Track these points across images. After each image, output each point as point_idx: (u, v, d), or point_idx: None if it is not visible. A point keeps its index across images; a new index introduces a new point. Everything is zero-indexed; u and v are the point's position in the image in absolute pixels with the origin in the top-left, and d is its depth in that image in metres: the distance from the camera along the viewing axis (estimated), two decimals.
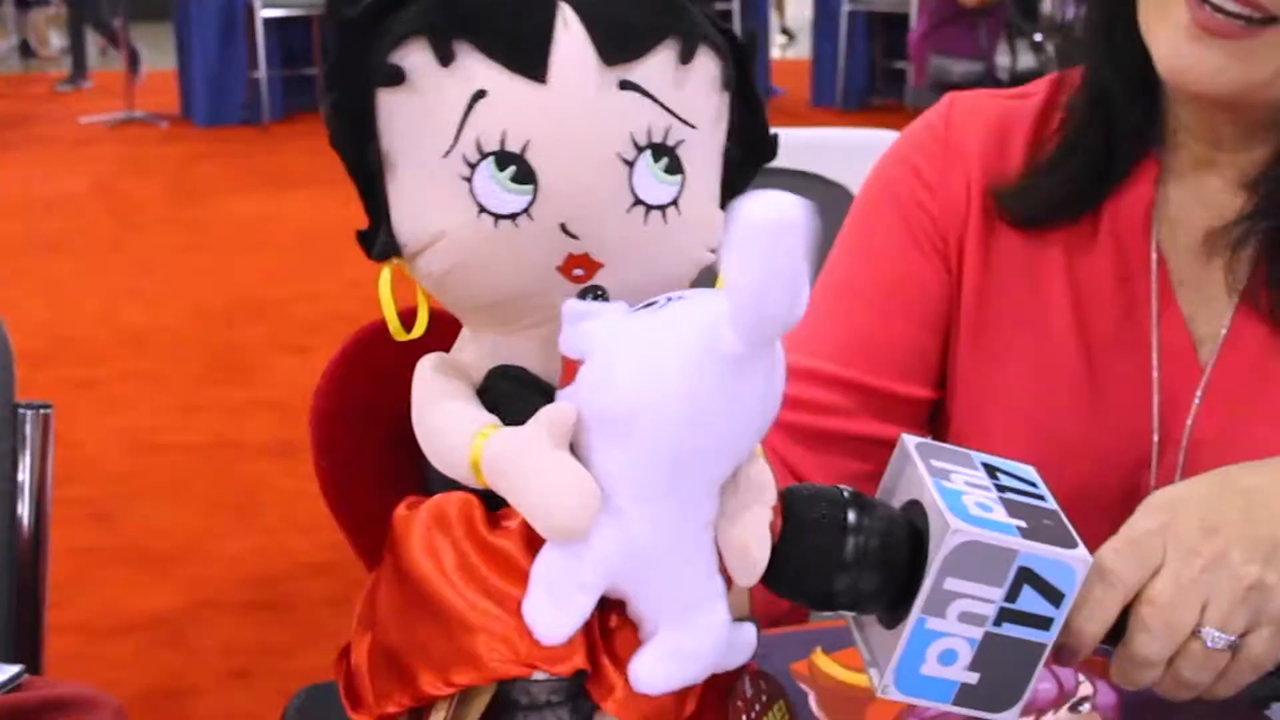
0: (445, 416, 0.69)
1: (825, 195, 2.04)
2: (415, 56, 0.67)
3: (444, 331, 0.73)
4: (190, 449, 4.27)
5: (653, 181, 0.68)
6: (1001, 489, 0.80)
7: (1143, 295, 1.17)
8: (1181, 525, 0.86)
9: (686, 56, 0.68)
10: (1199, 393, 1.15)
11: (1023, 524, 0.77)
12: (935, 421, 1.24)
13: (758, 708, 0.76)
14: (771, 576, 0.76)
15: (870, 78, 10.33)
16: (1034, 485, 0.83)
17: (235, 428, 4.40)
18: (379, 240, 0.70)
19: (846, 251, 1.25)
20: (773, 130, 0.75)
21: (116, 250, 6.57)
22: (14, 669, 1.04)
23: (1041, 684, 0.96)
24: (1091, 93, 1.18)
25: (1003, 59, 7.35)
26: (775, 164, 2.36)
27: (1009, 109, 1.24)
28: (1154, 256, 1.17)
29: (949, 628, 0.76)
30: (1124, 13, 1.12)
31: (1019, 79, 1.17)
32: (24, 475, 1.41)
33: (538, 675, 0.67)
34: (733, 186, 0.73)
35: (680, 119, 0.68)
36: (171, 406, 4.63)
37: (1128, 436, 1.16)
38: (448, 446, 0.68)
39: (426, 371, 0.71)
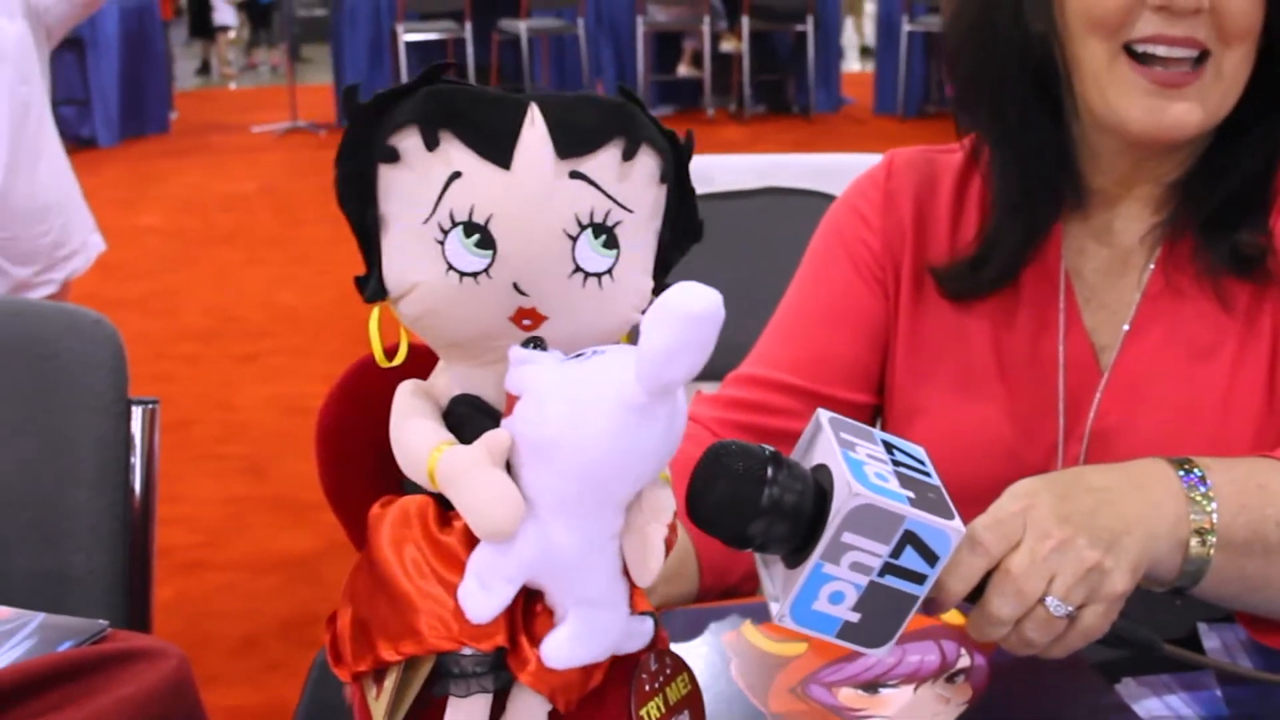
0: (412, 433, 0.72)
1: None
2: (408, 140, 0.70)
3: (426, 363, 0.76)
4: None
5: (592, 253, 0.70)
6: (896, 464, 0.82)
7: (1052, 315, 1.18)
8: (1040, 510, 0.88)
9: (629, 155, 0.71)
10: (1099, 393, 1.16)
11: (912, 495, 0.79)
12: (875, 424, 1.26)
13: (661, 679, 0.77)
14: (697, 516, 0.80)
15: (926, 89, 10.19)
16: (923, 463, 0.85)
17: None
18: (370, 286, 0.73)
19: (803, 281, 1.27)
20: (700, 218, 0.76)
21: (278, 243, 6.67)
22: (100, 624, 1.05)
23: (927, 656, 0.98)
24: (1014, 180, 1.18)
25: None
26: (802, 186, 2.31)
27: (939, 161, 1.26)
28: (1062, 282, 1.18)
29: (841, 574, 0.78)
30: (1033, 100, 1.14)
31: None
32: (135, 459, 1.43)
33: (466, 650, 0.70)
34: (666, 261, 0.75)
35: (619, 204, 0.70)
36: (317, 376, 4.69)
37: (1036, 434, 1.17)
38: (412, 457, 0.71)
39: (403, 394, 0.74)
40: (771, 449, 0.79)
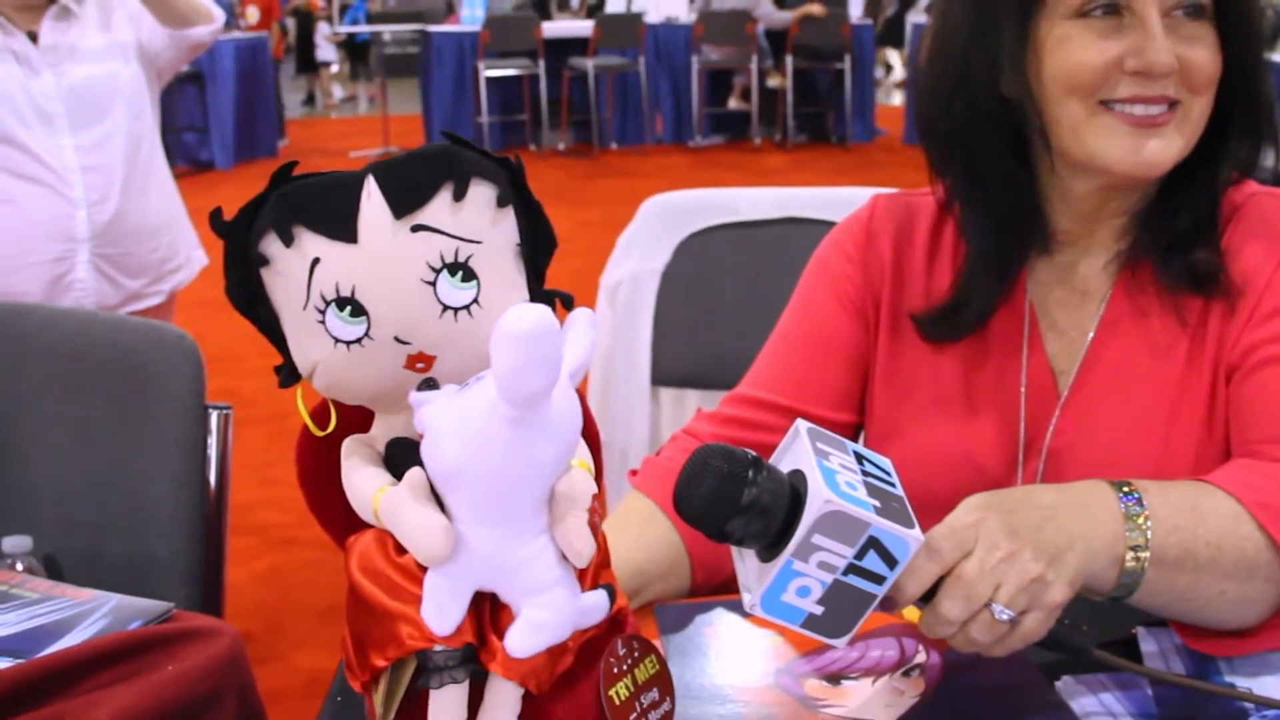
0: (357, 482, 0.74)
1: None
2: (270, 245, 0.72)
3: (369, 413, 0.77)
4: None
5: (453, 290, 0.71)
6: (866, 474, 0.82)
7: (1016, 343, 1.17)
8: (991, 524, 0.88)
9: (460, 194, 0.71)
10: (1056, 415, 1.15)
11: (877, 504, 0.79)
12: (857, 440, 1.25)
13: (629, 662, 0.78)
14: (683, 512, 0.80)
15: None
16: (889, 474, 0.84)
17: None
18: (284, 372, 0.75)
19: (792, 311, 1.26)
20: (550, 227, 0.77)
21: None
22: (166, 605, 1.07)
23: (887, 651, 0.97)
24: (985, 231, 1.16)
25: None
26: (817, 217, 2.30)
27: (917, 204, 1.24)
28: (1027, 314, 1.17)
29: (809, 570, 0.78)
30: (1006, 155, 1.13)
31: None
32: (212, 455, 1.44)
33: (437, 648, 0.71)
34: (536, 268, 0.76)
35: (464, 239, 0.71)
36: None
37: (999, 450, 1.16)
38: (360, 503, 0.74)
39: (346, 450, 0.76)
40: (754, 453, 0.79)
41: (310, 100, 14.16)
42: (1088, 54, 1.05)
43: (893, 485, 0.83)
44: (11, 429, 1.51)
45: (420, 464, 0.71)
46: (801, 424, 0.83)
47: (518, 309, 0.65)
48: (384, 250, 0.70)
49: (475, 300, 0.72)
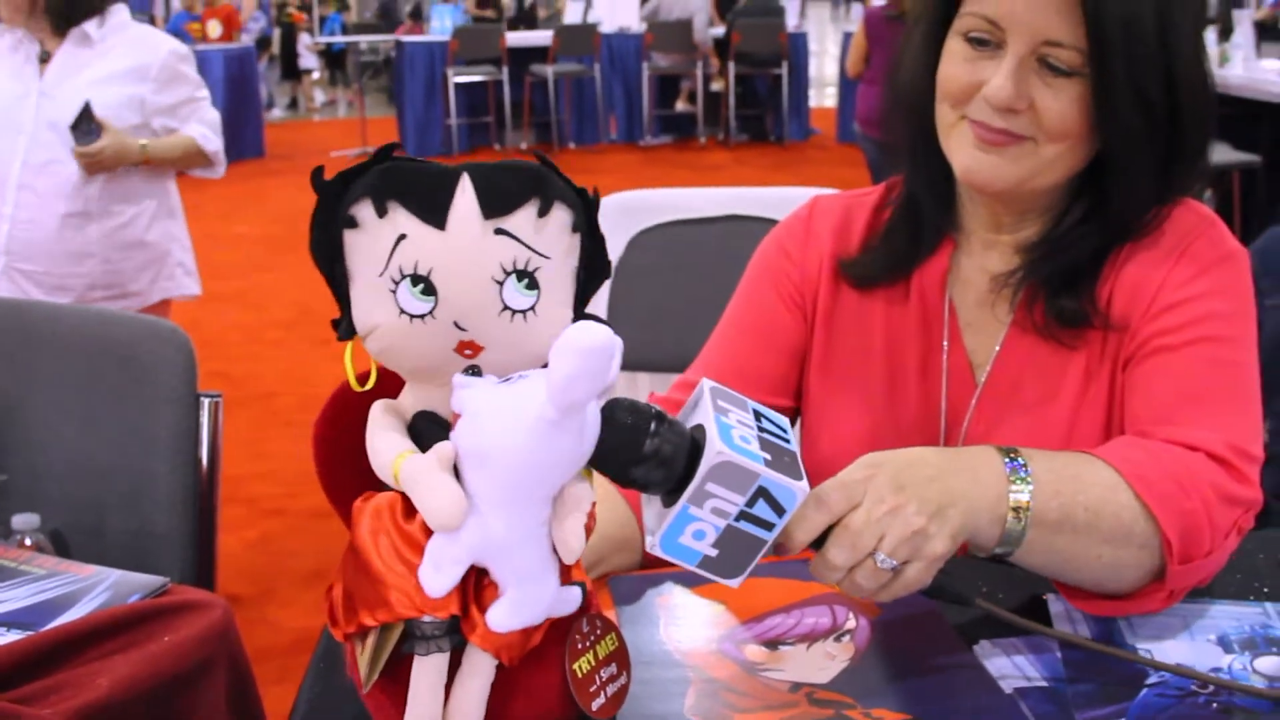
0: (381, 443, 0.73)
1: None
2: (363, 210, 0.71)
3: (398, 383, 0.76)
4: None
5: (516, 294, 0.71)
6: (762, 430, 0.80)
7: (937, 336, 1.17)
8: (881, 479, 0.86)
9: (544, 212, 0.71)
10: (973, 402, 1.15)
11: (768, 457, 0.77)
12: (794, 424, 1.25)
13: (592, 639, 0.78)
14: (593, 458, 0.76)
15: None
16: (785, 431, 0.83)
17: None
18: (343, 326, 0.74)
19: (735, 304, 1.25)
20: (609, 257, 0.77)
21: None
22: (161, 580, 1.06)
23: (820, 619, 0.97)
24: (906, 196, 1.19)
25: None
26: (758, 214, 2.28)
27: (854, 203, 1.24)
28: (947, 308, 1.17)
29: (704, 515, 0.77)
30: (925, 140, 1.13)
31: None
32: (204, 439, 1.43)
33: (425, 618, 0.71)
34: (584, 294, 0.75)
35: (537, 253, 0.71)
36: None
37: (921, 435, 1.16)
38: (381, 463, 0.72)
39: (375, 411, 0.75)
40: (658, 408, 0.77)
41: (294, 104, 13.97)
42: (958, 70, 1.07)
43: (786, 441, 0.82)
44: (21, 416, 1.49)
45: (443, 440, 0.70)
46: (706, 383, 0.82)
47: (585, 325, 0.65)
48: (466, 243, 0.70)
49: (532, 308, 0.72)
